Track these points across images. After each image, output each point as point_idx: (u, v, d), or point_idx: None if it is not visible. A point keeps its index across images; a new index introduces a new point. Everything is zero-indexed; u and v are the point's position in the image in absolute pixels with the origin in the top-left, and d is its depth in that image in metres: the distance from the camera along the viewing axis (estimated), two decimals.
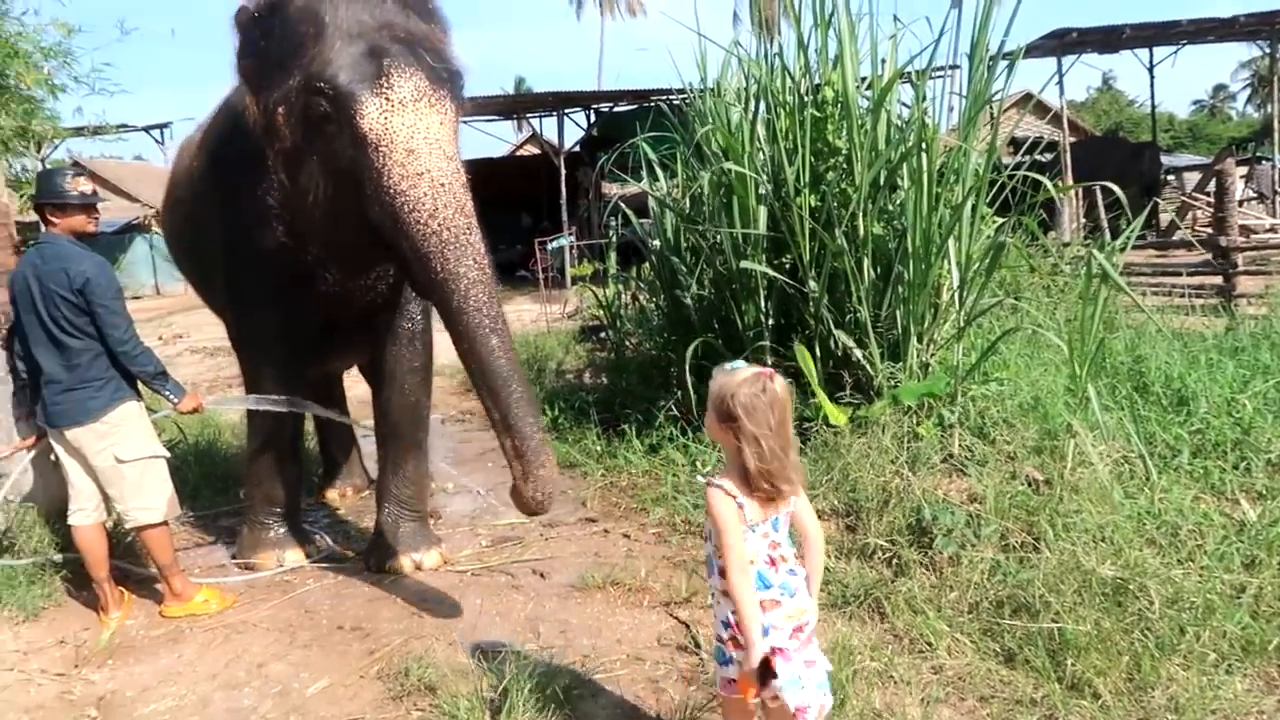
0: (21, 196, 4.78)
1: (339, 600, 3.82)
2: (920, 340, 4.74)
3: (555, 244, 15.47)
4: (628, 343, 7.13)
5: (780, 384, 2.10)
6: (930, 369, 4.70)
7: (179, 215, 4.60)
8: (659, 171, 6.46)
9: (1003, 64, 4.80)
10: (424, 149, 3.06)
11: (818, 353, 4.82)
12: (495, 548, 4.31)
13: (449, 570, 4.04)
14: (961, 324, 4.60)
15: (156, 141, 19.00)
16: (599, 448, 5.56)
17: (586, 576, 3.80)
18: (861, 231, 4.76)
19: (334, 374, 5.31)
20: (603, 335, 8.37)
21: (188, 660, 3.35)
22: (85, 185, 3.61)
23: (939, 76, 5.41)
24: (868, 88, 5.16)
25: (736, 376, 2.09)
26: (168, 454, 3.82)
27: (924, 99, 4.91)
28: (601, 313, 7.72)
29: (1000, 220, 5.06)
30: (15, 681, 3.26)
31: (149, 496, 3.65)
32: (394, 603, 3.73)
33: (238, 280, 4.00)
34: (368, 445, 5.73)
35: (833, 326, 4.80)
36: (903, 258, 4.68)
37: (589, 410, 6.10)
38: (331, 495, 5.35)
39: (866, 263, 4.77)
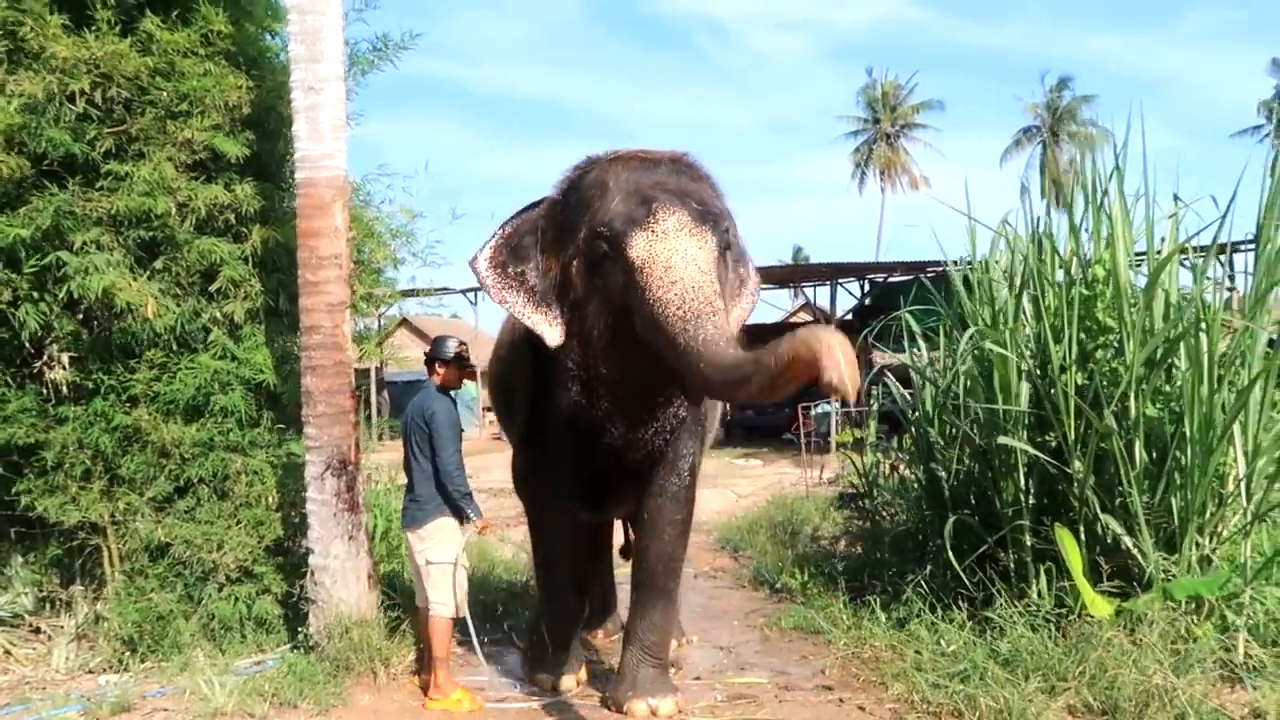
0: (361, 352, 5.71)
1: None
2: (1201, 532, 4.38)
3: (819, 409, 15.56)
4: (883, 512, 7.04)
5: None
6: (1212, 565, 4.30)
7: (500, 365, 5.32)
8: (921, 342, 6.52)
9: None
10: (679, 264, 3.43)
11: (1082, 537, 4.58)
12: (730, 703, 4.37)
13: None
14: (1249, 518, 4.21)
15: (470, 303, 21.44)
16: (845, 617, 5.49)
17: None
18: (1133, 412, 4.56)
19: (608, 521, 5.71)
20: (861, 503, 8.30)
21: None
22: (463, 348, 4.62)
23: (1236, 253, 5.17)
24: (1144, 266, 5.03)
25: None
26: (466, 565, 4.50)
27: (1204, 276, 4.71)
28: (856, 480, 7.69)
29: None
30: None
31: (443, 593, 4.36)
32: None
33: (536, 429, 4.57)
34: (624, 593, 6.04)
35: (1099, 511, 4.56)
36: (1180, 442, 4.41)
37: (837, 578, 6.07)
38: (587, 636, 5.65)
39: (1139, 445, 4.53)
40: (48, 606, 5.41)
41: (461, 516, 4.40)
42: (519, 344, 4.67)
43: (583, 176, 3.92)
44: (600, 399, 3.97)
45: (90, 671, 4.99)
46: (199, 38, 5.14)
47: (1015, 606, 4.47)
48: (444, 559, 4.37)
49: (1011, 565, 4.87)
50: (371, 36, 6.08)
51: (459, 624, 4.46)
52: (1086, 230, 5.25)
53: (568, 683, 4.57)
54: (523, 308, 3.97)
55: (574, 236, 3.82)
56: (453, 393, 4.62)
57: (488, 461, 15.22)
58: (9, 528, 5.39)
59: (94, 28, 4.93)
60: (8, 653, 5.16)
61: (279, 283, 5.31)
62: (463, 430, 4.54)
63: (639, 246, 3.52)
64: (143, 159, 5.00)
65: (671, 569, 4.41)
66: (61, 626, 5.29)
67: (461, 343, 4.67)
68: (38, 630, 5.34)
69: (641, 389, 3.87)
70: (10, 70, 4.82)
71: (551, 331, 3.93)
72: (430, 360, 4.59)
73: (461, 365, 4.58)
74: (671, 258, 3.45)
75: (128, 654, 4.99)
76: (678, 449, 4.29)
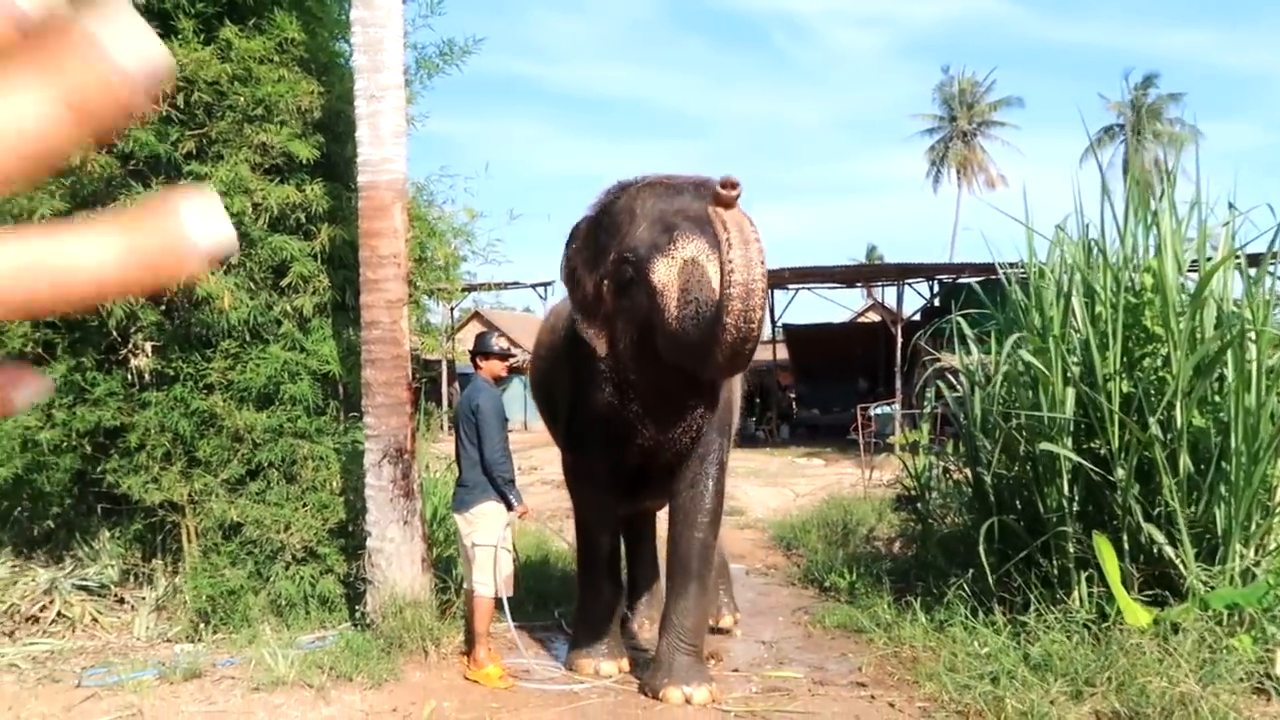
0: (424, 345, 6.00)
1: (614, 718, 4.20)
2: (1245, 544, 4.34)
3: (879, 410, 15.46)
4: (934, 515, 7.05)
5: None
6: (1255, 577, 4.26)
7: (540, 366, 5.56)
8: (974, 345, 6.49)
9: None
10: (696, 288, 3.73)
11: (1125, 546, 4.57)
12: (764, 695, 4.49)
13: (716, 708, 4.28)
14: None
15: (540, 297, 21.82)
16: (888, 616, 5.54)
17: None
18: (1179, 422, 4.53)
19: (649, 512, 5.88)
20: (916, 506, 8.28)
21: None
22: (503, 342, 4.93)
23: None
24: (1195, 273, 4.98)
25: None
26: (509, 549, 4.77)
27: (1257, 286, 4.64)
28: (912, 483, 7.69)
29: None
30: None
31: (486, 575, 4.62)
32: None
33: (575, 427, 4.84)
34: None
35: (1142, 520, 4.54)
36: (1226, 453, 4.37)
37: (884, 578, 6.12)
38: (633, 625, 5.81)
39: (1183, 455, 4.50)
40: (131, 578, 5.79)
41: (506, 502, 4.62)
42: (558, 345, 4.92)
43: (614, 202, 4.20)
44: (631, 401, 4.23)
45: (168, 640, 5.34)
46: (274, 45, 5.44)
47: (1053, 612, 4.49)
48: (487, 542, 4.62)
49: (1054, 571, 4.87)
50: (439, 41, 6.32)
51: (499, 605, 4.68)
52: (1139, 238, 5.21)
53: (608, 669, 4.74)
54: (581, 321, 4.31)
55: (605, 258, 4.12)
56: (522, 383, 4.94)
57: (551, 454, 15.53)
58: (97, 504, 5.79)
59: (178, 36, 5.26)
60: (95, 620, 5.54)
61: (345, 279, 5.58)
62: (508, 420, 4.81)
63: (660, 272, 3.81)
64: (221, 160, 5.32)
65: (705, 556, 4.57)
66: (143, 598, 5.65)
67: (501, 335, 4.96)
68: (122, 600, 5.72)
69: (669, 396, 4.13)
70: None
71: (598, 342, 4.24)
72: (474, 354, 4.87)
73: (504, 359, 4.87)
74: (688, 282, 3.74)
75: (202, 625, 5.33)
76: (707, 444, 4.50)
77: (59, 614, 5.48)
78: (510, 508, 4.67)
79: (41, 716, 4.22)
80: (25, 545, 6.08)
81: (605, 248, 4.13)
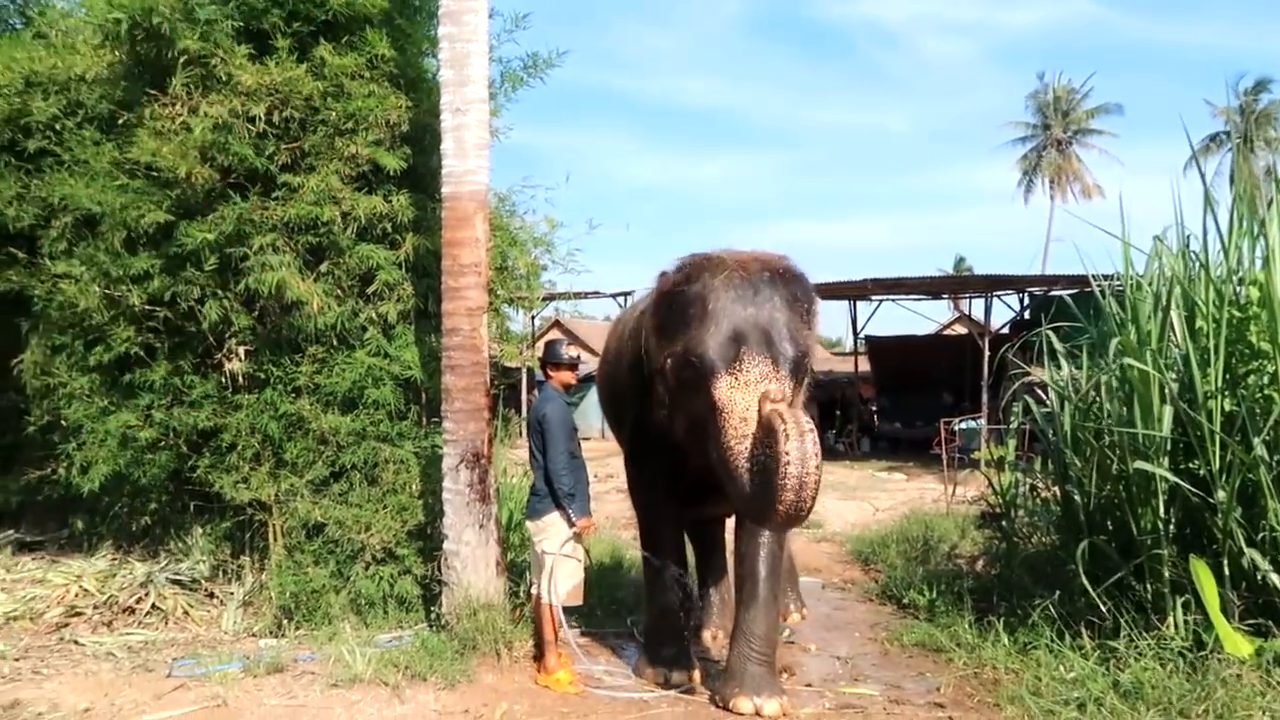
0: (502, 351, 6.09)
1: None
2: None
3: (964, 425, 15.05)
4: (1020, 533, 6.83)
5: None
6: None
7: (607, 373, 5.63)
8: (1064, 360, 6.28)
9: None
10: (755, 418, 3.79)
11: (1225, 571, 4.35)
12: (837, 712, 4.40)
13: None
14: None
15: (619, 306, 21.97)
16: (969, 636, 5.38)
17: None
18: None
19: (717, 520, 5.84)
20: (1001, 524, 8.04)
21: None
22: (573, 351, 4.97)
23: None
24: None
25: None
26: (577, 559, 4.76)
27: None
28: (996, 500, 7.47)
29: None
30: None
31: (551, 582, 4.64)
32: None
33: (638, 438, 4.95)
34: None
35: (1245, 545, 4.32)
36: None
37: (965, 597, 5.96)
38: (705, 635, 5.77)
39: None
40: (221, 574, 6.01)
41: (566, 514, 4.64)
42: (625, 357, 4.98)
43: (688, 285, 4.18)
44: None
45: (253, 635, 5.52)
46: (365, 61, 5.60)
47: (1145, 638, 4.30)
48: (557, 550, 4.65)
49: (1148, 596, 4.67)
50: (524, 54, 6.42)
51: (567, 612, 4.70)
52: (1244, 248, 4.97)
53: (679, 678, 4.72)
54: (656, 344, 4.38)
55: (672, 343, 4.16)
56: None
57: None
58: (191, 501, 6.03)
59: (274, 54, 5.46)
60: (186, 613, 5.76)
61: (429, 286, 5.70)
62: (577, 429, 4.84)
63: (723, 389, 3.88)
64: (313, 172, 5.49)
65: (772, 564, 4.55)
66: (232, 593, 5.85)
67: (570, 343, 5.00)
68: (212, 595, 5.94)
69: None
70: (204, 94, 5.40)
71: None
72: (543, 364, 4.91)
73: (573, 368, 4.90)
74: (749, 410, 3.81)
75: (285, 621, 5.50)
76: None
77: (154, 606, 5.73)
78: (571, 522, 4.67)
79: (134, 704, 4.39)
80: (125, 540, 6.38)
81: (674, 333, 4.17)
